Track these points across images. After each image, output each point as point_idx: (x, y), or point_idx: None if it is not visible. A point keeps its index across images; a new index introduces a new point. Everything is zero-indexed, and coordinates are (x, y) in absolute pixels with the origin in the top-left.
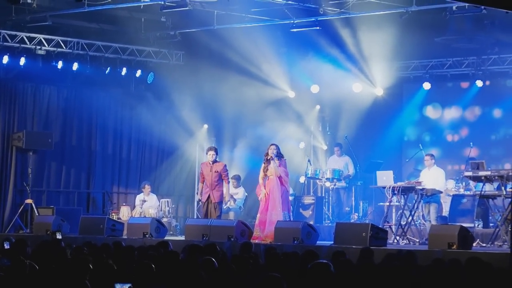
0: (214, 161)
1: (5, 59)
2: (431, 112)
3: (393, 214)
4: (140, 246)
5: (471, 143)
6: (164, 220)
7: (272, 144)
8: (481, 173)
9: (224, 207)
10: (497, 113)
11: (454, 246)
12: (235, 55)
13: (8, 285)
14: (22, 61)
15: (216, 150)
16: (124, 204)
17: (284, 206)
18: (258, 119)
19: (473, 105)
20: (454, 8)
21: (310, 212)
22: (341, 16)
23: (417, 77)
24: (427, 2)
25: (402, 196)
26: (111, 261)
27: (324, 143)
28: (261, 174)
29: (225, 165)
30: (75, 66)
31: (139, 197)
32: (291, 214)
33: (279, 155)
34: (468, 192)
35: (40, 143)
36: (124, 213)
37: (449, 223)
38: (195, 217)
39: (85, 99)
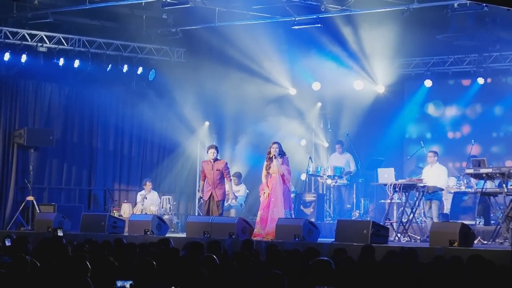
0: (215, 159)
1: (7, 56)
2: (432, 109)
3: (394, 212)
4: (142, 243)
5: (472, 141)
6: (165, 217)
7: (275, 143)
8: (483, 171)
9: (226, 204)
10: (498, 110)
11: (455, 244)
12: (236, 52)
13: (10, 282)
14: (24, 58)
15: (216, 148)
16: (125, 201)
17: (286, 204)
18: (259, 116)
19: (475, 102)
20: (455, 5)
21: (312, 210)
22: (343, 14)
23: (418, 74)
24: (428, 0)
25: (403, 193)
26: (113, 258)
27: (325, 141)
28: (264, 172)
29: (226, 163)
30: (76, 63)
31: (140, 194)
32: (292, 212)
33: (282, 153)
34: (470, 190)
35: (42, 140)
36: (125, 210)
37: (451, 221)
38: (196, 214)
39: (86, 96)
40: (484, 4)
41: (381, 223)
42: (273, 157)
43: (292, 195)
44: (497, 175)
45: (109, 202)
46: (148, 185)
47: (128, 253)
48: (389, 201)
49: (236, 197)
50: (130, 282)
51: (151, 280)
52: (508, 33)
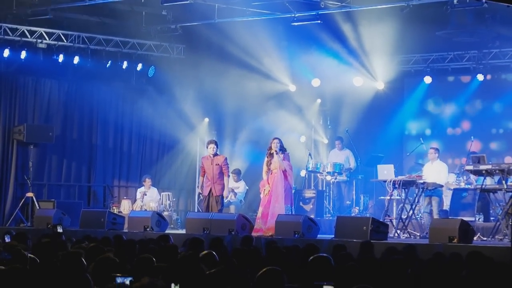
0: (215, 154)
1: (6, 53)
2: (432, 106)
3: (394, 208)
4: (141, 239)
5: (472, 137)
6: (165, 213)
7: (275, 138)
8: (482, 167)
9: (225, 201)
10: (497, 107)
11: (455, 240)
12: (236, 49)
13: (9, 279)
14: (23, 54)
15: (216, 143)
16: (125, 197)
17: (287, 200)
18: (259, 112)
19: (474, 99)
20: (455, 1)
21: (311, 206)
22: (342, 10)
23: (418, 71)
24: None
25: (403, 190)
26: (113, 254)
27: (325, 137)
28: (265, 168)
29: (226, 158)
30: (76, 59)
31: (140, 191)
32: (293, 207)
33: (282, 149)
34: (469, 186)
35: (41, 136)
36: (125, 207)
37: (450, 217)
38: (195, 210)
39: (86, 93)
40: (484, 1)
41: (381, 220)
42: (275, 152)
43: (292, 191)
44: (497, 171)
45: (109, 199)
46: (148, 181)
47: (127, 249)
48: (388, 197)
49: (235, 194)
50: (130, 278)
51: (150, 276)
52: (507, 30)
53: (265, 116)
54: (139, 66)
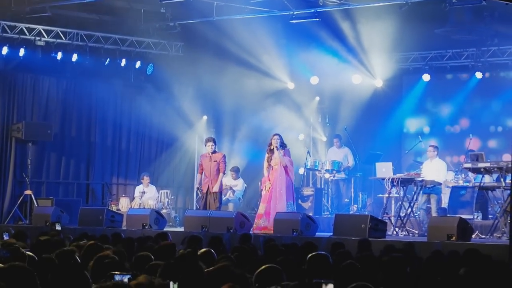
0: (213, 152)
1: (5, 50)
2: (430, 104)
3: (392, 206)
4: (139, 237)
5: (470, 135)
6: (163, 211)
7: (275, 134)
8: (481, 165)
9: (224, 198)
10: (496, 105)
11: (453, 238)
12: (234, 46)
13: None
14: (22, 52)
15: (214, 141)
16: (123, 195)
17: (289, 196)
18: (258, 110)
19: (472, 97)
20: None
21: (310, 204)
22: (341, 8)
23: (416, 68)
24: None
25: (401, 187)
26: (111, 252)
27: (323, 135)
28: (265, 164)
29: (224, 155)
30: (74, 57)
31: (138, 189)
32: (294, 203)
33: (283, 145)
34: (468, 184)
35: (40, 134)
36: (123, 204)
37: (448, 215)
38: (194, 208)
39: (84, 90)
40: None
41: (379, 217)
42: (275, 148)
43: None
44: (495, 169)
45: (107, 196)
46: (146, 179)
47: (126, 247)
48: (387, 195)
49: (233, 191)
50: (128, 276)
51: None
52: (506, 27)
53: (263, 113)
54: (138, 64)
